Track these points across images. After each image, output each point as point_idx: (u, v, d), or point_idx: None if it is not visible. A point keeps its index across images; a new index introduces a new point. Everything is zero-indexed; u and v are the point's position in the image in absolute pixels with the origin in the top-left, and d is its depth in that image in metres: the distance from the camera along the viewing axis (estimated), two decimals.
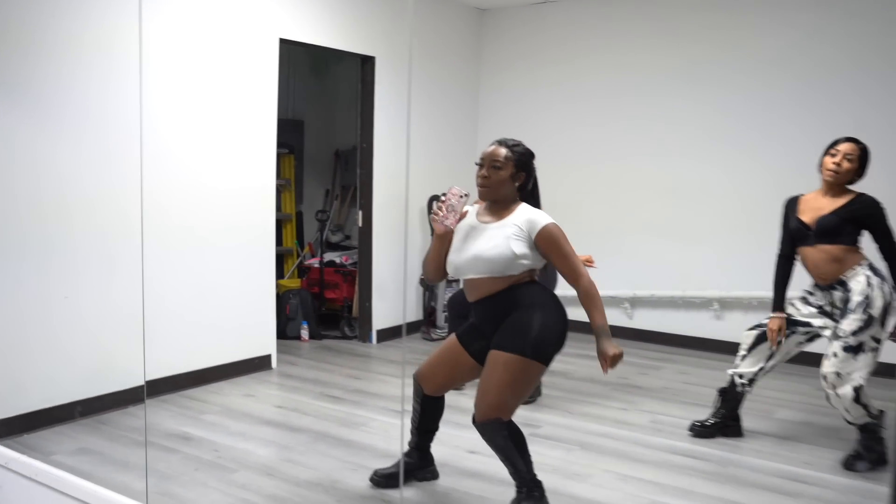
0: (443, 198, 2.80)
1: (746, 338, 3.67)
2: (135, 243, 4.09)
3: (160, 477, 3.20)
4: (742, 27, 5.38)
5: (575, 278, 2.76)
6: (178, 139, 4.35)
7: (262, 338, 5.00)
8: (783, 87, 5.25)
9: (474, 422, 2.83)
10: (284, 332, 5.92)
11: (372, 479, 3.15)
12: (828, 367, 3.29)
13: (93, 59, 3.89)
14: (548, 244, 2.74)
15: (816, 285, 3.53)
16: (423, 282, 6.12)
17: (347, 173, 7.18)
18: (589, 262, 3.83)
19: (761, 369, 3.64)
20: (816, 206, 3.44)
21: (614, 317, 6.04)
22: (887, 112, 4.85)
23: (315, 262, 6.35)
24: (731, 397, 3.73)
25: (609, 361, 2.70)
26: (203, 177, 4.50)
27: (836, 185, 3.40)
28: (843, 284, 3.39)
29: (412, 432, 3.22)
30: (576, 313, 6.15)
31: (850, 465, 3.37)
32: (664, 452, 3.56)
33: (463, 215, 2.84)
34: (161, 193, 4.25)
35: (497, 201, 2.85)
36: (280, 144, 6.75)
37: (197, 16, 4.38)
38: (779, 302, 3.60)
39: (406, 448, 3.24)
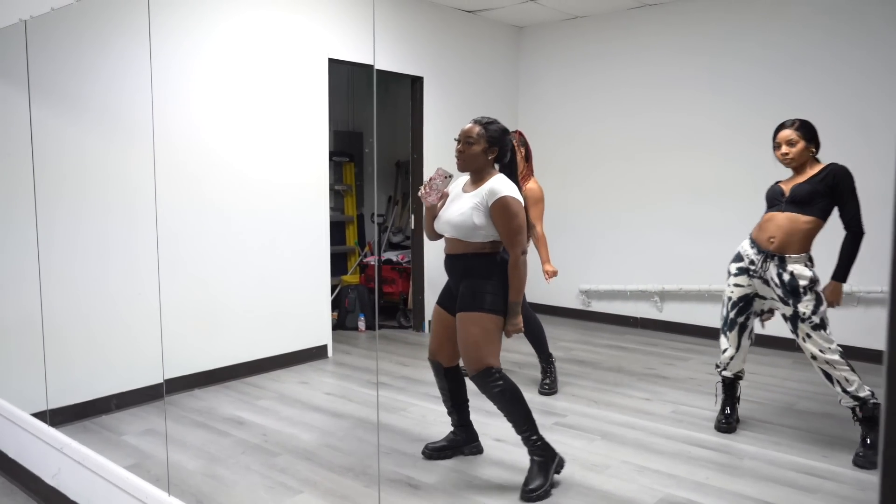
0: (429, 177, 2.83)
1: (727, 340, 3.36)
2: (194, 247, 4.05)
3: (210, 459, 3.09)
4: (761, 31, 4.98)
5: (509, 247, 2.72)
6: (240, 150, 4.27)
7: (318, 329, 4.88)
8: (799, 88, 4.83)
9: (470, 377, 2.78)
10: (344, 323, 5.83)
11: (423, 452, 3.11)
12: (812, 347, 3.04)
13: (166, 81, 3.83)
14: (497, 213, 2.68)
15: (758, 249, 3.19)
16: None
17: (407, 182, 7.04)
18: (551, 273, 3.96)
19: (733, 357, 3.36)
20: (793, 181, 3.16)
21: (644, 310, 5.71)
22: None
23: (372, 260, 6.23)
24: (730, 389, 3.47)
25: (508, 335, 2.80)
26: (263, 184, 4.41)
27: (799, 166, 3.14)
28: (783, 263, 3.09)
29: (449, 413, 3.13)
30: (607, 307, 5.84)
31: (860, 462, 2.99)
32: (683, 444, 3.26)
33: (445, 194, 2.84)
34: (224, 199, 4.20)
35: (474, 173, 2.81)
36: (341, 154, 6.70)
37: (253, 39, 4.29)
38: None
39: (442, 439, 3.08)
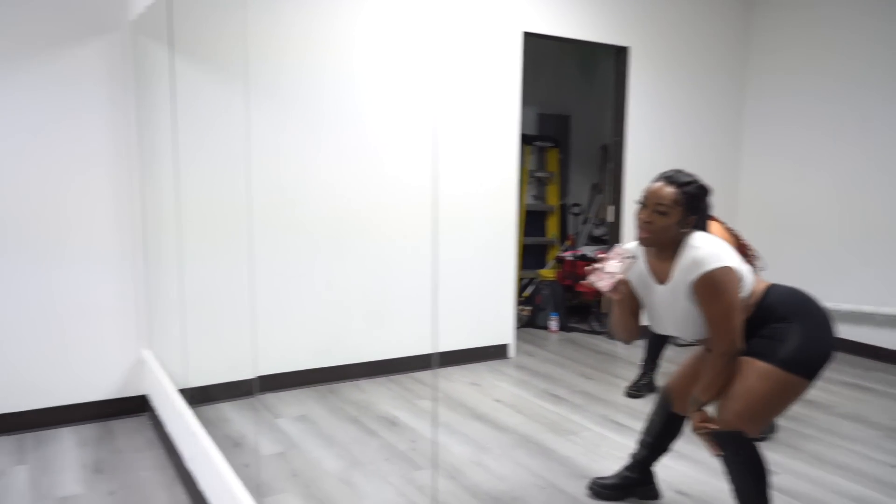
0: (604, 256, 2.25)
1: None
2: (367, 233, 3.89)
3: (350, 462, 2.88)
4: None
5: (714, 337, 2.11)
6: (419, 131, 4.02)
7: (500, 327, 4.52)
8: None
9: (719, 430, 2.16)
10: (535, 321, 5.44)
11: (591, 488, 2.64)
12: None
13: (325, 61, 3.71)
14: (700, 292, 2.08)
15: None
16: None
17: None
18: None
19: None
20: None
21: None
22: None
23: (568, 255, 5.73)
24: None
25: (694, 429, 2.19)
26: (445, 169, 4.13)
27: None
28: None
29: (641, 445, 2.59)
30: (850, 332, 4.76)
31: None
32: None
33: (622, 281, 2.21)
34: (405, 187, 3.99)
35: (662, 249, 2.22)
36: (545, 138, 6.25)
37: (438, 13, 4.00)
38: None
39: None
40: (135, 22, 3.20)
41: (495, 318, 4.49)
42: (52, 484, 2.67)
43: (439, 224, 4.16)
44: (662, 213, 2.14)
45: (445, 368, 4.21)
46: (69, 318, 3.23)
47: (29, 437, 3.11)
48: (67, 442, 3.07)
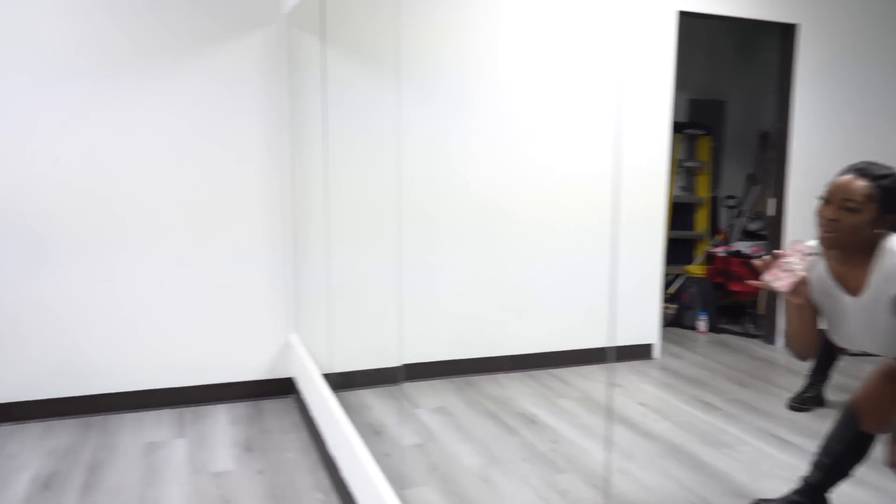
0: (781, 252, 1.97)
1: None
2: (510, 223, 3.80)
3: (490, 459, 2.81)
4: None
5: None
6: (572, 123, 3.87)
7: (644, 325, 4.29)
8: None
9: None
10: (681, 320, 5.13)
11: None
12: None
13: (471, 49, 3.63)
14: None
15: None
16: None
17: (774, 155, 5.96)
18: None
19: None
20: None
21: None
22: None
23: (720, 251, 5.34)
24: None
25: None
26: (595, 159, 3.96)
27: None
28: None
29: (815, 466, 2.31)
30: None
31: None
32: None
33: (803, 280, 1.92)
34: (556, 178, 3.87)
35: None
36: (696, 125, 5.87)
37: None
38: None
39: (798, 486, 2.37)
40: (289, 14, 3.29)
41: (639, 316, 4.26)
42: (208, 459, 2.81)
43: (580, 215, 3.99)
44: (852, 210, 1.88)
45: (585, 367, 4.05)
46: (226, 302, 3.39)
47: (188, 412, 3.31)
48: (221, 418, 3.24)
